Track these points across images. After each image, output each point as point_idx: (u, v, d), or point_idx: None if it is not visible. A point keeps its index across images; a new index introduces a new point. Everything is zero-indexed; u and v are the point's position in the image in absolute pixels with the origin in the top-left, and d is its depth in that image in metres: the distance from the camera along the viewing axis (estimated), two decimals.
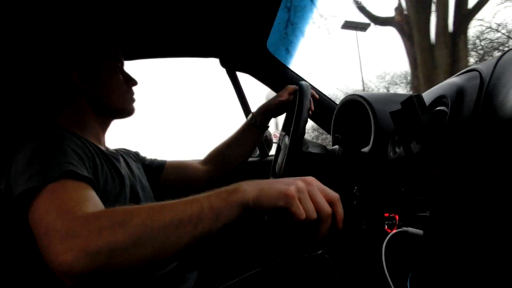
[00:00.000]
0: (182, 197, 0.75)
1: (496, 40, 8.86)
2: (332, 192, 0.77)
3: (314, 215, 0.72)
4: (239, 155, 1.58)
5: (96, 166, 1.02)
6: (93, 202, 0.83)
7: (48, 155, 0.89)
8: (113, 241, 0.66)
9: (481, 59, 8.82)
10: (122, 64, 1.31)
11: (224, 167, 1.56)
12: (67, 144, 0.96)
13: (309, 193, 0.73)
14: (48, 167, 0.86)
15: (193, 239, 0.70)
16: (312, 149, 1.31)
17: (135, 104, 1.32)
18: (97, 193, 0.91)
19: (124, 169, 1.20)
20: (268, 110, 1.57)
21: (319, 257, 1.00)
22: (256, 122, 1.57)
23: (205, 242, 0.71)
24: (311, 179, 0.77)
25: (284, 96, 1.51)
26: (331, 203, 0.75)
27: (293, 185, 0.73)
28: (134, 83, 1.32)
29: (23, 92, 1.28)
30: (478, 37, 9.06)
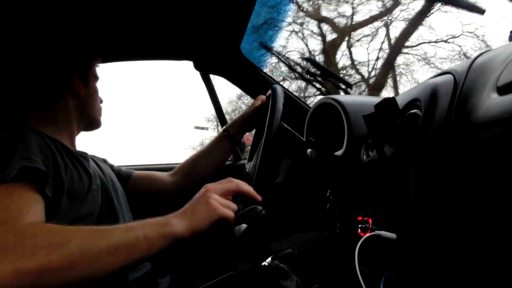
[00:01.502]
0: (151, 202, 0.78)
1: None
2: (227, 184, 0.92)
3: (233, 208, 0.88)
4: (207, 167, 1.56)
5: (58, 164, 1.00)
6: (34, 211, 0.82)
7: (4, 154, 0.88)
8: (47, 263, 0.66)
9: None
10: (98, 80, 1.36)
11: (192, 179, 1.54)
12: (29, 141, 0.95)
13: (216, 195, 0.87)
14: (3, 166, 0.84)
15: (126, 265, 0.73)
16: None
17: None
18: (59, 191, 0.94)
19: (93, 169, 1.19)
20: (242, 123, 1.56)
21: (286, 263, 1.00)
22: (229, 135, 1.56)
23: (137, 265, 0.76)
24: (208, 186, 0.90)
25: (256, 103, 1.52)
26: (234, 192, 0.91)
27: (208, 198, 0.85)
28: (101, 100, 1.37)
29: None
30: None
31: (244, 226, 0.90)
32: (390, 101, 0.93)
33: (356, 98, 1.44)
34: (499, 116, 0.67)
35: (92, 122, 1.32)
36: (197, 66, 2.04)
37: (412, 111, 1.00)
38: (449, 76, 0.91)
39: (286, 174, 1.40)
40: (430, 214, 0.86)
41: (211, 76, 2.12)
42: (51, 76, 1.19)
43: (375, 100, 1.15)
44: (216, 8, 1.59)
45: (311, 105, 1.94)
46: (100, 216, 1.08)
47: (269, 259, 0.90)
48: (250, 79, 2.06)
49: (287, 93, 1.96)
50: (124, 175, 1.46)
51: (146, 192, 1.46)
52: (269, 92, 1.36)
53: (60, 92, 1.20)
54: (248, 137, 2.57)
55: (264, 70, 2.08)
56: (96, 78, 1.33)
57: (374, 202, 1.11)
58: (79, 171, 1.08)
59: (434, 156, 0.86)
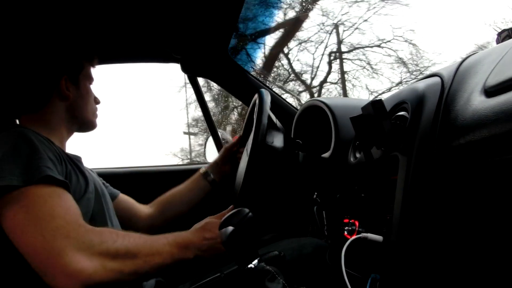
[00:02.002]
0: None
1: None
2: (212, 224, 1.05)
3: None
4: (182, 205, 1.54)
5: (62, 168, 1.02)
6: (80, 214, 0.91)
7: (25, 156, 0.91)
8: (123, 267, 0.83)
9: None
10: (92, 82, 1.35)
11: (165, 217, 1.52)
12: (41, 146, 0.97)
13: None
14: (27, 168, 0.88)
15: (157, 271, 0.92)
16: (275, 141, 1.29)
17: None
18: None
19: (87, 172, 1.19)
20: (220, 165, 1.57)
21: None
22: (208, 175, 1.55)
23: None
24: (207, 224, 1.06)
25: (229, 145, 1.55)
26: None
27: (219, 249, 1.00)
28: (98, 101, 1.37)
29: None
30: None
31: (230, 228, 0.89)
32: (378, 103, 0.93)
33: (344, 100, 1.44)
34: (487, 118, 0.68)
35: (84, 124, 1.31)
36: (184, 69, 2.03)
37: (399, 113, 1.01)
38: (436, 79, 0.92)
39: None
40: (417, 216, 0.86)
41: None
42: (37, 78, 1.18)
43: (362, 102, 1.15)
44: (204, 10, 1.59)
45: (298, 108, 1.95)
46: (91, 219, 1.08)
47: (255, 261, 0.90)
48: (237, 81, 2.06)
49: (274, 96, 1.96)
50: (111, 192, 1.44)
51: (122, 217, 1.42)
52: (256, 96, 1.36)
53: (48, 94, 1.18)
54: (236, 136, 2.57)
55: (252, 73, 2.08)
56: (89, 79, 1.31)
57: (361, 204, 1.11)
58: (76, 173, 1.09)
59: (421, 158, 0.86)
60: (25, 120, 1.17)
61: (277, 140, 1.30)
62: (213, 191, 1.55)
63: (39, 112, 1.18)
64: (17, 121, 1.22)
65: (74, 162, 1.14)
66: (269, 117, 1.22)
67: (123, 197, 1.50)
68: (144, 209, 1.52)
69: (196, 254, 0.97)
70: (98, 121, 1.37)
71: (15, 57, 1.19)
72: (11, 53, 1.20)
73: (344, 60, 11.37)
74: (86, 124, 1.31)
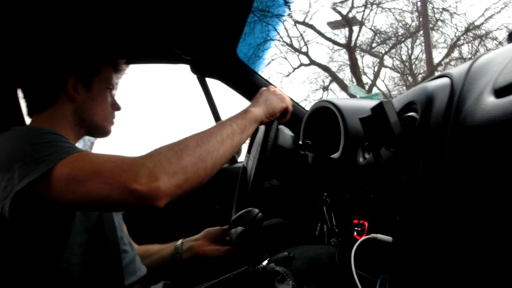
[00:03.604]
0: None
1: None
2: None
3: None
4: (148, 265, 1.37)
5: None
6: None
7: (50, 142, 0.93)
8: (183, 162, 0.87)
9: None
10: (113, 88, 1.33)
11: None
12: (58, 134, 0.99)
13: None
14: (57, 149, 0.90)
15: (233, 149, 1.01)
16: (282, 142, 1.29)
17: (112, 128, 1.35)
18: None
19: None
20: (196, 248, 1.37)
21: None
22: (179, 257, 1.39)
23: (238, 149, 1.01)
24: (270, 86, 1.26)
25: (214, 229, 1.41)
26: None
27: (276, 90, 1.24)
28: (118, 108, 1.36)
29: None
30: None
31: (240, 228, 0.89)
32: (387, 104, 0.93)
33: (352, 101, 1.44)
34: (496, 118, 0.67)
35: (94, 128, 1.28)
36: (193, 70, 2.04)
37: (408, 114, 1.00)
38: (446, 79, 0.92)
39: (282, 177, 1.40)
40: (426, 217, 0.86)
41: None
42: (43, 75, 1.18)
43: (372, 103, 1.15)
44: (213, 12, 1.60)
45: (307, 108, 1.94)
46: (98, 219, 1.09)
47: (265, 262, 0.90)
48: (246, 82, 2.06)
49: None
50: None
51: None
52: None
53: (54, 93, 1.18)
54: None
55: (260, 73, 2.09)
56: (107, 84, 1.29)
57: (370, 205, 1.11)
58: None
59: (431, 159, 0.86)
60: (34, 121, 1.18)
61: (287, 141, 1.31)
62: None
63: (46, 111, 1.18)
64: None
65: None
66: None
67: None
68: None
69: (260, 112, 1.13)
70: (113, 128, 1.34)
71: (23, 53, 1.19)
72: (21, 48, 1.20)
73: None
74: (96, 128, 1.28)
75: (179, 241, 1.42)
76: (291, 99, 2.00)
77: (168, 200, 0.84)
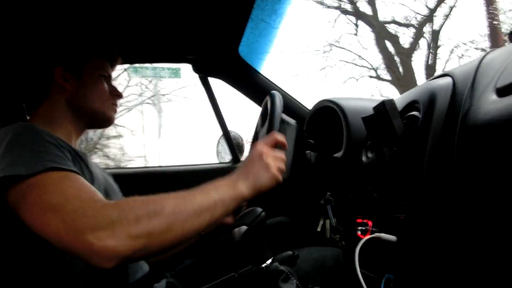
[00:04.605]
0: None
1: None
2: (273, 138, 1.04)
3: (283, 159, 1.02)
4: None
5: (75, 163, 1.00)
6: (98, 191, 0.87)
7: (30, 148, 0.89)
8: (151, 227, 0.78)
9: None
10: (109, 76, 1.29)
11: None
12: (47, 138, 0.94)
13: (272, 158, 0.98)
14: (33, 159, 0.85)
15: (209, 224, 0.86)
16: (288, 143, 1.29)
17: (114, 115, 1.29)
18: None
19: (96, 170, 1.16)
20: None
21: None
22: None
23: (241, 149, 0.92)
24: (264, 150, 0.99)
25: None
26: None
27: (269, 166, 0.96)
28: (119, 94, 1.30)
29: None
30: None
31: (244, 228, 0.90)
32: (389, 103, 0.93)
33: (355, 100, 1.44)
34: (499, 118, 0.67)
35: (93, 116, 1.23)
36: (196, 69, 2.04)
37: (411, 113, 1.00)
38: (448, 78, 0.92)
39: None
40: (430, 216, 0.86)
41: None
42: (31, 70, 1.17)
43: (374, 102, 1.15)
44: (215, 11, 1.59)
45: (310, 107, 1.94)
46: None
47: (269, 261, 0.90)
48: (249, 82, 2.06)
49: (285, 97, 1.96)
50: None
51: None
52: (267, 98, 1.36)
53: (44, 86, 1.16)
54: (247, 139, 2.57)
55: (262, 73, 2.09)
56: (100, 72, 1.24)
57: (374, 204, 1.11)
58: (82, 168, 1.06)
59: (434, 158, 0.86)
60: (32, 118, 1.17)
61: (289, 141, 1.31)
62: None
63: (41, 107, 1.16)
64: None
65: (81, 157, 1.10)
66: (281, 119, 1.22)
67: None
68: None
69: (246, 186, 0.92)
70: (116, 116, 1.29)
71: (8, 50, 1.17)
72: (4, 46, 1.18)
73: None
74: (95, 115, 1.24)
75: None
76: (293, 99, 2.01)
77: (118, 264, 0.75)
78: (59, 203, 0.79)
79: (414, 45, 11.01)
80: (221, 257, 1.30)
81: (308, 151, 1.46)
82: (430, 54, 10.89)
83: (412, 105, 1.01)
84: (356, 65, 11.74)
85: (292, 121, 1.37)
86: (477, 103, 0.77)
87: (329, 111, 1.41)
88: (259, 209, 0.93)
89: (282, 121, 1.23)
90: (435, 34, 10.86)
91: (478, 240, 0.79)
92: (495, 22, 8.99)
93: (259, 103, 1.84)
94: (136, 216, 0.78)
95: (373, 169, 1.13)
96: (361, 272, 0.90)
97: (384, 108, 0.93)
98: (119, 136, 11.11)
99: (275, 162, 0.98)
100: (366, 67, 11.71)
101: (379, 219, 1.06)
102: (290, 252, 1.02)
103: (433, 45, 10.91)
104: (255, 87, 2.03)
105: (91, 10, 1.47)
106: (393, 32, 11.24)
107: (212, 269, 1.38)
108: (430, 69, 10.59)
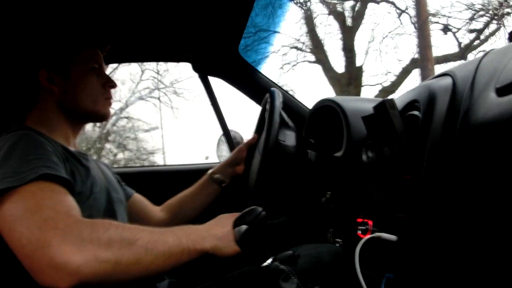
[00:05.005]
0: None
1: None
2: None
3: None
4: (194, 211, 1.50)
5: (66, 167, 0.99)
6: (78, 209, 0.86)
7: (23, 156, 0.88)
8: (120, 256, 0.75)
9: None
10: (100, 66, 1.24)
11: (177, 220, 1.46)
12: (41, 145, 0.94)
13: None
14: (25, 168, 0.84)
15: (172, 268, 0.84)
16: (287, 140, 1.28)
17: (109, 109, 1.27)
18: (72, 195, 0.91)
19: (94, 171, 1.15)
20: (229, 166, 1.54)
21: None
22: (217, 178, 1.51)
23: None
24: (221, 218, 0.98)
25: (244, 145, 1.53)
26: None
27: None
28: (112, 85, 1.25)
29: None
30: None
31: (244, 227, 0.90)
32: (389, 103, 0.93)
33: (355, 99, 1.44)
34: (498, 117, 0.67)
35: (87, 115, 1.22)
36: (195, 68, 2.04)
37: (411, 113, 1.00)
38: (448, 78, 0.92)
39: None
40: (431, 216, 0.86)
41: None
42: (15, 76, 1.15)
43: (374, 101, 1.15)
44: (214, 9, 1.59)
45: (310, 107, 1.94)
46: (104, 215, 1.07)
47: (269, 261, 0.90)
48: (248, 81, 2.06)
49: (285, 95, 1.96)
50: (126, 191, 1.42)
51: (134, 218, 1.38)
52: (267, 95, 1.36)
53: (32, 90, 1.14)
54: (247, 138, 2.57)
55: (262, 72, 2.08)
56: (89, 63, 1.19)
57: (374, 203, 1.11)
58: (81, 173, 1.05)
59: (434, 157, 0.86)
60: (28, 120, 1.13)
61: (289, 139, 1.31)
62: (223, 192, 1.54)
63: (35, 110, 1.14)
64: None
65: (80, 161, 1.09)
66: (281, 115, 1.22)
67: (137, 197, 1.47)
68: (156, 213, 1.49)
69: (211, 245, 0.88)
70: (110, 109, 1.28)
71: None
72: None
73: None
74: (89, 115, 1.22)
75: (204, 178, 1.53)
76: (293, 98, 2.01)
77: (71, 285, 0.70)
78: (30, 210, 0.78)
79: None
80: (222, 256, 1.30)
81: (308, 150, 1.47)
82: None
83: (412, 104, 1.01)
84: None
85: (291, 123, 1.37)
86: (477, 102, 0.77)
87: (329, 111, 1.41)
88: (259, 209, 0.93)
89: (282, 119, 1.23)
90: None
91: (478, 239, 0.79)
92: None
93: (259, 102, 1.84)
94: (109, 240, 0.76)
95: (373, 168, 1.13)
96: (361, 271, 0.90)
97: (384, 107, 0.93)
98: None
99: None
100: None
101: (379, 219, 1.06)
102: (290, 252, 1.02)
103: None
104: (255, 86, 2.03)
105: (84, 7, 1.43)
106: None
107: (213, 268, 1.38)
108: None
